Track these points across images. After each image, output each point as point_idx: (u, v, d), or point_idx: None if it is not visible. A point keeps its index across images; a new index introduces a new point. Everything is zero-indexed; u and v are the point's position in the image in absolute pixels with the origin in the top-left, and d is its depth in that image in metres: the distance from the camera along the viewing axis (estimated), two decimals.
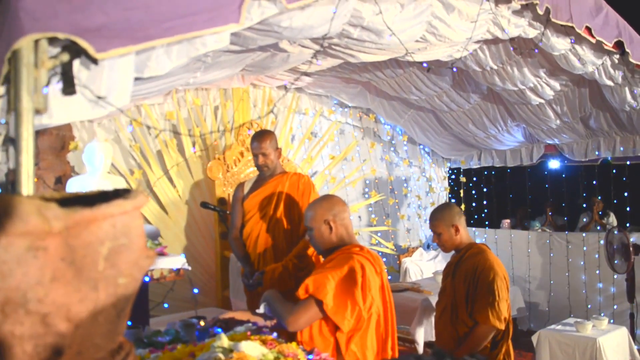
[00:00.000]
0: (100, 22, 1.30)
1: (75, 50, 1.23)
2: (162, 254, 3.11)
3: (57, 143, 3.79)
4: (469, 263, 2.96)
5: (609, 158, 6.04)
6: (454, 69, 4.66)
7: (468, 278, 2.93)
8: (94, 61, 1.26)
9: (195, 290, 3.79)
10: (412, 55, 3.82)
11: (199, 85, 4.91)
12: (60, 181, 3.74)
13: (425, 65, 4.36)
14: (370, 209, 6.64)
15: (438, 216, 3.06)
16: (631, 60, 4.11)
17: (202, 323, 2.68)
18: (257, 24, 2.08)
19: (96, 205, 0.81)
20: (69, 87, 1.25)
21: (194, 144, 5.12)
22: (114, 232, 0.84)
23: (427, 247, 7.14)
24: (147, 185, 4.88)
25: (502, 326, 2.88)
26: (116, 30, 1.33)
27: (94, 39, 1.26)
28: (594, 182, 6.76)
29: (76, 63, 1.35)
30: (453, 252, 3.12)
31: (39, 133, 3.64)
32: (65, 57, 1.23)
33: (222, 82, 5.01)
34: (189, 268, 3.23)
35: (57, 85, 1.31)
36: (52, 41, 1.24)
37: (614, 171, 6.39)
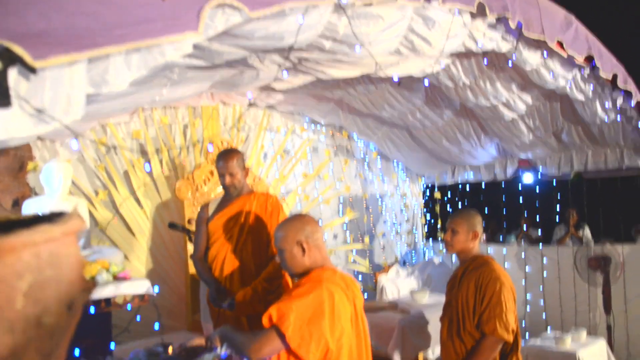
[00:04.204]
0: (40, 27, 1.17)
1: (9, 58, 1.10)
2: (124, 278, 2.95)
3: (14, 164, 3.60)
4: (475, 274, 2.93)
5: (575, 172, 6.05)
6: (427, 81, 4.62)
7: (474, 289, 2.90)
8: (32, 70, 1.13)
9: (157, 325, 3.62)
10: (384, 71, 3.76)
11: (166, 103, 4.77)
12: (18, 203, 3.55)
13: (397, 80, 4.30)
14: (345, 227, 6.54)
15: (464, 216, 3.05)
16: (601, 74, 4.14)
17: (170, 351, 2.52)
18: (222, 34, 1.97)
19: (13, 232, 0.69)
20: (3, 99, 1.12)
21: (161, 163, 4.96)
22: (37, 264, 0.71)
23: (403, 263, 7.06)
24: (113, 206, 4.70)
25: (510, 338, 2.84)
26: (59, 36, 1.20)
27: (32, 46, 1.13)
28: (568, 196, 6.79)
29: (16, 75, 1.22)
30: (455, 264, 3.09)
31: None
32: None
33: (190, 100, 4.88)
34: (154, 294, 3.07)
35: None
36: None
37: (584, 188, 6.42)
